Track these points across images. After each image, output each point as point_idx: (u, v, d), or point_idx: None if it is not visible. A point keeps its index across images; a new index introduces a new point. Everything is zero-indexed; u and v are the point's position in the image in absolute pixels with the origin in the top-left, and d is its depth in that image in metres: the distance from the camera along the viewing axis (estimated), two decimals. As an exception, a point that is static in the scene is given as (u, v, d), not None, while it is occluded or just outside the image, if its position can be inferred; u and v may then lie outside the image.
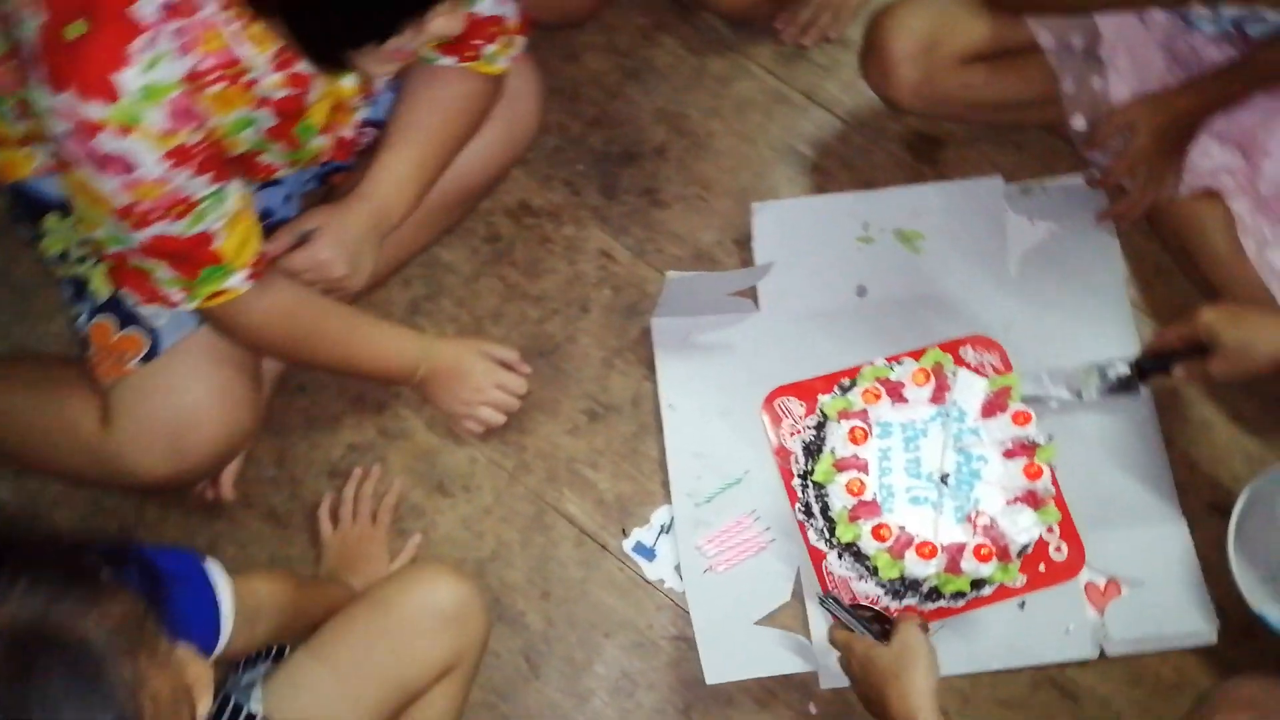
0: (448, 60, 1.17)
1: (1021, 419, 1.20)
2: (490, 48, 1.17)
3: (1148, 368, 1.27)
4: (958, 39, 1.31)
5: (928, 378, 1.23)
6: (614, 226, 1.42)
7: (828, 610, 1.17)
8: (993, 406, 1.22)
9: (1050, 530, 1.22)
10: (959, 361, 1.31)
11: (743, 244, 1.40)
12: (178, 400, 1.09)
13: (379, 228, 1.17)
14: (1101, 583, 1.26)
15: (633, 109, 1.48)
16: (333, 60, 0.95)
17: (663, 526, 1.28)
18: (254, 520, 1.26)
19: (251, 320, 1.06)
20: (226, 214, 0.98)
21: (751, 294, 1.36)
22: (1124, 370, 1.28)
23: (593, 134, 1.46)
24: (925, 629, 1.10)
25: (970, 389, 1.24)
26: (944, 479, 1.21)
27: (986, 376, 1.28)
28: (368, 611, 0.98)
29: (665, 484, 1.29)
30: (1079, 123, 1.35)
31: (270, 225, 1.16)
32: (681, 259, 1.40)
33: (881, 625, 1.12)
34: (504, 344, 1.32)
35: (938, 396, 1.24)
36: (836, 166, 1.45)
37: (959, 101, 1.36)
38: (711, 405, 1.32)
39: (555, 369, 1.34)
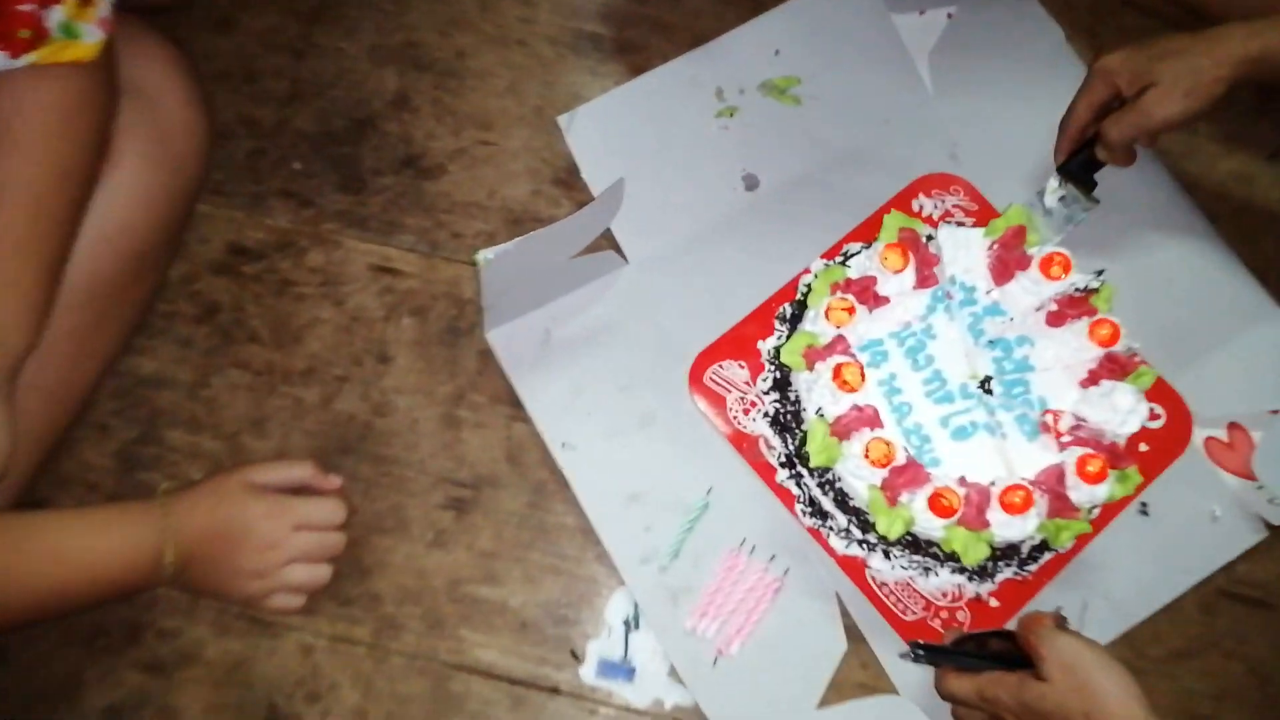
0: (-7, 61, 0.69)
1: (1059, 264, 0.81)
2: (55, 13, 0.69)
3: (1076, 169, 0.89)
4: None
5: (904, 256, 0.82)
6: (379, 227, 0.95)
7: (925, 664, 0.77)
8: (1006, 264, 0.83)
9: (1142, 396, 0.85)
10: (917, 217, 0.92)
11: (568, 181, 0.96)
12: None
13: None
14: (1224, 434, 0.89)
15: (338, 61, 1.01)
16: None
17: (627, 622, 0.83)
18: None
19: None
20: None
21: (611, 243, 0.92)
22: (1059, 191, 0.91)
23: (296, 114, 0.98)
24: (1064, 623, 0.72)
25: (966, 249, 0.84)
26: (985, 386, 0.81)
27: (966, 225, 0.89)
28: None
29: (604, 558, 0.84)
30: None
31: None
32: (492, 233, 0.95)
33: (1009, 644, 0.72)
34: (283, 459, 0.84)
35: (926, 277, 0.84)
36: (647, 34, 1.02)
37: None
38: (621, 419, 0.88)
39: (377, 461, 0.87)
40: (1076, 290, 0.82)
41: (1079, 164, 0.88)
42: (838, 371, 0.79)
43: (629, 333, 0.90)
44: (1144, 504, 0.87)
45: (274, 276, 0.93)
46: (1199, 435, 0.89)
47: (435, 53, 1.01)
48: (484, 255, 0.80)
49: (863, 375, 0.79)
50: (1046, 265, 0.81)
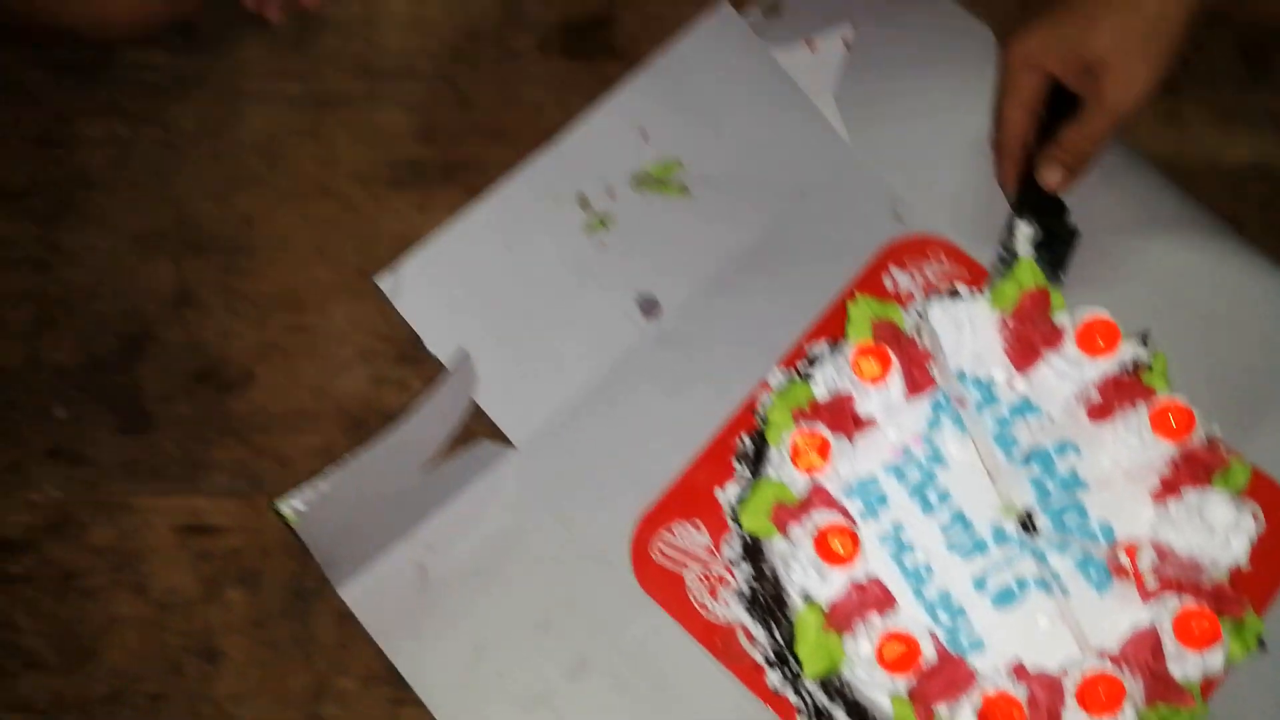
0: None
1: (1103, 334, 0.60)
2: None
3: (1035, 199, 0.69)
4: None
5: (882, 358, 0.60)
6: (179, 472, 0.71)
7: None
8: (1028, 342, 0.61)
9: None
10: (893, 299, 0.71)
11: (416, 355, 0.73)
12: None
13: None
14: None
15: (94, 264, 0.77)
16: None
17: None
18: None
19: None
20: None
21: (490, 431, 0.70)
22: (1026, 231, 0.70)
23: (49, 346, 0.75)
24: None
25: (970, 329, 0.63)
26: (1027, 524, 0.59)
27: (961, 297, 0.67)
28: None
29: None
30: None
31: None
32: (328, 447, 0.71)
33: None
34: None
35: (918, 380, 0.62)
36: (481, 145, 0.80)
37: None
38: (544, 674, 0.64)
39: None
40: (1128, 366, 0.60)
41: (1036, 191, 0.68)
42: (822, 540, 0.56)
43: (536, 542, 0.67)
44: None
45: (49, 571, 0.69)
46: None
47: (216, 226, 0.78)
48: (291, 507, 0.57)
49: (855, 539, 0.56)
50: (1088, 337, 0.59)
